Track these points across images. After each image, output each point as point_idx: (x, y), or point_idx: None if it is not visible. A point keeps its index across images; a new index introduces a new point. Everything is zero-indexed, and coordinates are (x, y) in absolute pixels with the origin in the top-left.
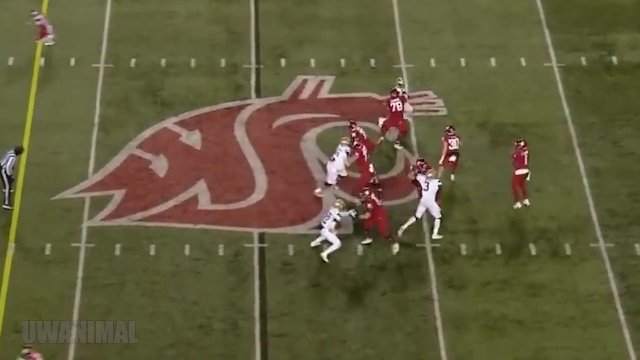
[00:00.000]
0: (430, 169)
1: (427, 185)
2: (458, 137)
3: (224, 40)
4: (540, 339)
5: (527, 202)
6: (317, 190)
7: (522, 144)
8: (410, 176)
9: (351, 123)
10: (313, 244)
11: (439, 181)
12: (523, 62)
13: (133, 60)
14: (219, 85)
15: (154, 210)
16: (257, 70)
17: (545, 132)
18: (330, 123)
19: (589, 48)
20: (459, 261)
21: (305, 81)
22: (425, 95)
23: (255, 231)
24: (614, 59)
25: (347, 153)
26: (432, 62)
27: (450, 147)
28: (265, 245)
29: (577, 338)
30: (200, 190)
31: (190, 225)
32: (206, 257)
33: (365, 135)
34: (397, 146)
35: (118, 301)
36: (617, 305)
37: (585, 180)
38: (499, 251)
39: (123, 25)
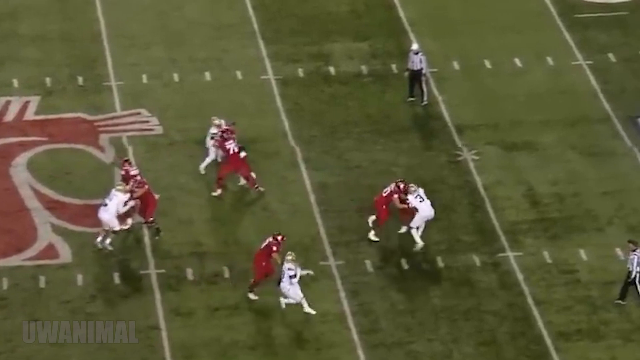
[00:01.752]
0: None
1: (422, 198)
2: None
3: None
4: None
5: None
6: (106, 242)
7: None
8: (398, 204)
9: (124, 161)
10: (284, 303)
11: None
12: (239, 75)
13: None
14: None
15: None
16: None
17: (267, 148)
18: (40, 146)
19: (306, 59)
20: (185, 287)
21: (8, 102)
22: (138, 113)
23: None
24: (332, 69)
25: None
26: (144, 78)
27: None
28: None
29: None
30: None
31: None
32: None
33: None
34: (257, 189)
35: None
36: (350, 325)
37: (312, 197)
38: (226, 274)
39: None
